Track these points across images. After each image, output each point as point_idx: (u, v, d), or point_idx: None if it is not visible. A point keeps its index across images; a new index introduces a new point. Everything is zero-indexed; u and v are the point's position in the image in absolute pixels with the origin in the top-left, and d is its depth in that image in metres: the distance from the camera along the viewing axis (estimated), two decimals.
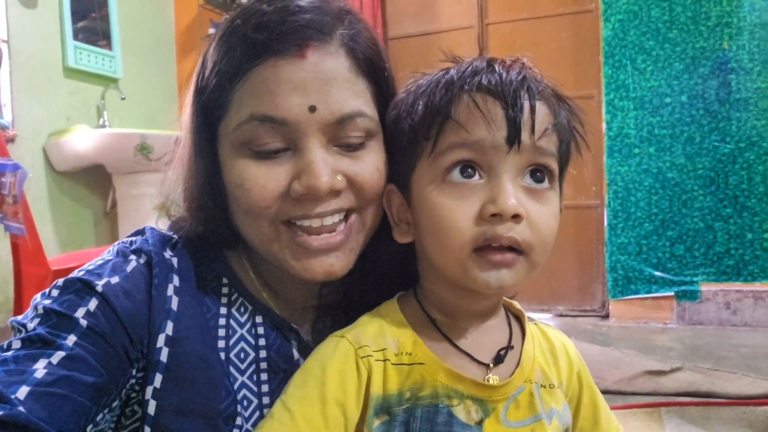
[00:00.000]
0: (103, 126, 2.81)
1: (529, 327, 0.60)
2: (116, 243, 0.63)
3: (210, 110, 0.58)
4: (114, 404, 0.53)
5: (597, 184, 2.91)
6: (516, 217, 0.49)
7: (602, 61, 2.79)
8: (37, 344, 0.50)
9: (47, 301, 0.54)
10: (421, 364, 0.52)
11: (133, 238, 0.64)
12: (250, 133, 0.55)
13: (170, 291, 0.59)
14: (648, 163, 2.73)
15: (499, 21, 3.11)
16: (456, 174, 0.51)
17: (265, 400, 0.60)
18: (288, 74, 0.54)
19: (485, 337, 0.56)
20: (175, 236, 0.65)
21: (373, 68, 0.59)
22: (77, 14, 2.74)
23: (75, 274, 0.57)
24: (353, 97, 0.56)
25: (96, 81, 2.86)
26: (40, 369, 0.48)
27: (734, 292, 2.62)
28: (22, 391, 0.46)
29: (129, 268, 0.58)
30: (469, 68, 0.52)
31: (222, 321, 0.61)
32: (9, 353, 0.49)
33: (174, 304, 0.58)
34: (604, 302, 2.94)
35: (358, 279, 0.63)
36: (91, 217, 2.85)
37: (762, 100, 2.58)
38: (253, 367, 0.61)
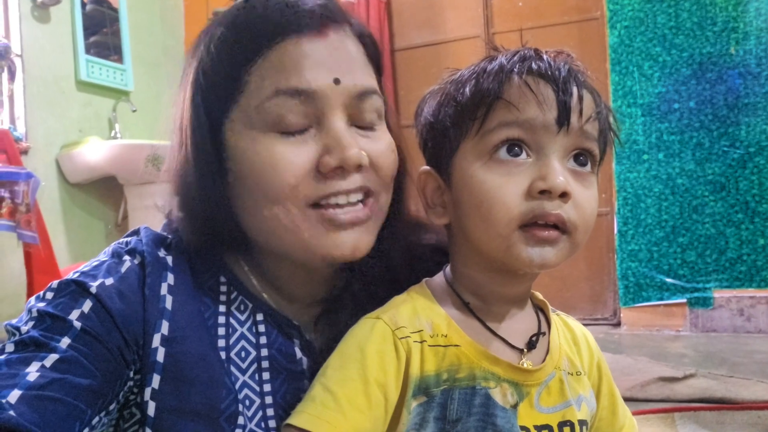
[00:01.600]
0: (115, 137, 2.85)
1: (553, 317, 0.61)
2: (112, 244, 0.62)
3: (216, 101, 0.57)
4: (111, 407, 0.53)
5: (606, 191, 2.89)
6: (564, 196, 0.50)
7: (609, 68, 2.80)
8: (30, 347, 0.50)
9: (41, 304, 0.53)
10: (457, 346, 0.53)
11: (128, 239, 0.63)
12: (275, 109, 0.54)
13: (164, 290, 0.58)
14: (657, 170, 2.72)
15: (506, 30, 3.12)
16: (503, 152, 0.51)
17: (268, 399, 0.59)
18: (311, 50, 0.56)
19: (517, 323, 0.57)
20: (170, 236, 0.64)
21: (378, 62, 0.63)
22: (89, 29, 2.80)
23: (69, 276, 0.56)
24: (369, 77, 0.59)
25: (108, 94, 2.90)
26: (32, 372, 0.47)
27: (747, 299, 2.59)
28: (14, 395, 0.45)
29: (123, 269, 0.58)
30: (518, 55, 0.53)
31: (221, 319, 0.61)
32: (2, 357, 0.49)
33: (168, 303, 0.58)
34: (615, 310, 2.91)
35: (363, 275, 0.63)
36: (103, 228, 2.88)
37: None
38: (254, 366, 0.60)
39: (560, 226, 0.50)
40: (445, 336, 0.53)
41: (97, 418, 0.51)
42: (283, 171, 0.54)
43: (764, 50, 2.57)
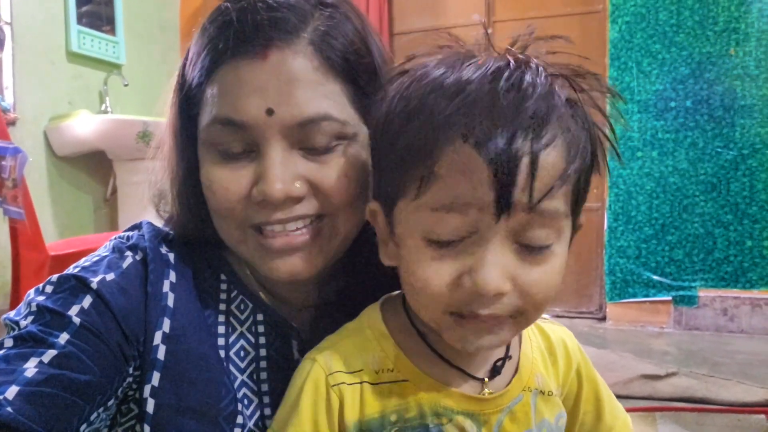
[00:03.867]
0: (105, 112, 2.80)
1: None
2: (112, 238, 0.62)
3: (189, 107, 0.58)
4: (109, 403, 0.52)
5: (598, 187, 2.90)
6: (497, 295, 0.42)
7: (608, 63, 2.78)
8: (28, 343, 0.49)
9: (41, 298, 0.53)
10: (405, 381, 0.48)
11: (130, 233, 0.63)
12: (214, 135, 0.55)
13: (166, 287, 0.58)
14: (650, 167, 2.73)
15: (507, 19, 3.09)
16: (436, 233, 0.43)
17: (266, 399, 0.59)
18: (248, 76, 0.52)
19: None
20: (172, 232, 0.64)
21: (353, 66, 0.56)
22: None
23: (70, 270, 0.56)
24: (319, 99, 0.53)
25: (99, 66, 2.84)
26: (30, 368, 0.47)
27: (732, 299, 2.62)
28: (11, 391, 0.45)
29: (125, 265, 0.57)
30: (462, 96, 0.41)
31: (221, 318, 0.60)
32: (0, 352, 0.48)
33: (170, 301, 0.57)
34: (601, 305, 2.94)
35: (357, 279, 0.62)
36: (91, 203, 2.84)
37: (767, 107, 2.57)
38: (253, 365, 0.60)
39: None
40: (392, 370, 0.49)
41: (95, 414, 0.50)
42: (218, 196, 0.55)
43: (764, 53, 2.57)
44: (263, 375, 0.60)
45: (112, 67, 2.90)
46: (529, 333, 0.56)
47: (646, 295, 2.75)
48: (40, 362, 0.48)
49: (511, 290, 0.42)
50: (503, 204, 0.40)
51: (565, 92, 0.44)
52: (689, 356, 2.27)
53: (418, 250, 0.45)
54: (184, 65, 0.58)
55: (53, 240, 2.40)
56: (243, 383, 0.59)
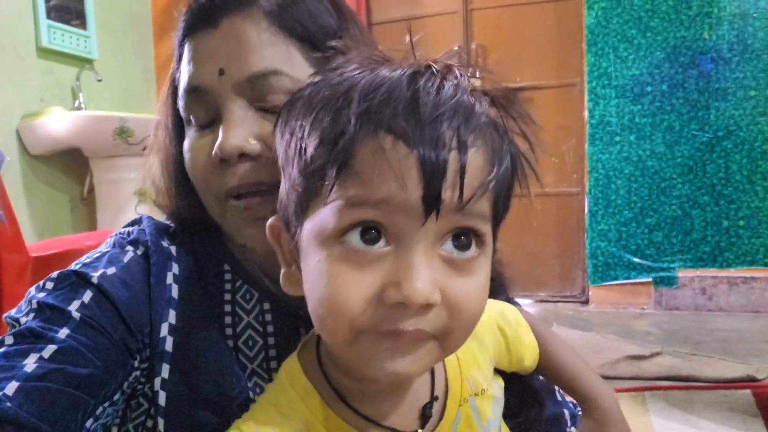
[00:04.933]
0: (79, 108, 2.73)
1: None
2: (113, 234, 0.62)
3: (176, 92, 0.60)
4: (115, 397, 0.52)
5: (578, 172, 2.94)
6: (426, 306, 0.37)
7: (585, 49, 2.81)
8: (28, 339, 0.49)
9: (41, 295, 0.53)
10: None
11: (130, 229, 0.63)
12: (183, 106, 0.58)
13: (170, 279, 0.58)
14: (629, 151, 2.77)
15: (484, 7, 3.09)
16: (355, 237, 0.38)
17: None
18: (202, 45, 0.56)
19: (406, 394, 0.46)
20: (173, 224, 0.64)
21: (311, 35, 0.56)
22: None
23: (71, 266, 0.56)
24: (269, 57, 0.54)
25: (70, 62, 2.76)
26: (30, 363, 0.47)
27: (710, 278, 2.69)
28: (11, 387, 0.45)
29: (126, 259, 0.58)
30: (382, 90, 0.37)
31: (227, 308, 0.60)
32: (1, 349, 0.48)
33: (174, 293, 0.57)
34: (584, 288, 2.99)
35: None
36: (68, 202, 2.78)
37: (740, 90, 2.63)
38: (262, 354, 0.60)
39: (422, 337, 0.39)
40: None
41: (101, 408, 0.50)
42: (192, 163, 0.57)
43: (736, 36, 2.62)
44: (273, 364, 0.60)
45: (84, 62, 2.82)
46: None
47: (628, 278, 2.80)
48: (40, 357, 0.47)
49: (439, 303, 0.37)
50: (431, 202, 0.36)
51: (485, 105, 0.40)
52: (671, 336, 2.33)
53: (331, 261, 0.38)
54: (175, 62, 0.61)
55: (31, 241, 2.34)
56: (254, 372, 0.59)
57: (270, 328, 0.61)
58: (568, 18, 2.95)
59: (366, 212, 0.37)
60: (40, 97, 2.61)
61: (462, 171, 0.37)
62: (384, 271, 0.37)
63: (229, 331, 0.59)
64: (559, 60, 2.98)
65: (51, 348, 0.48)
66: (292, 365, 0.47)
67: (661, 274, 2.75)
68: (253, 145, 0.54)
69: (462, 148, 0.37)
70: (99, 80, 2.76)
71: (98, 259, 0.57)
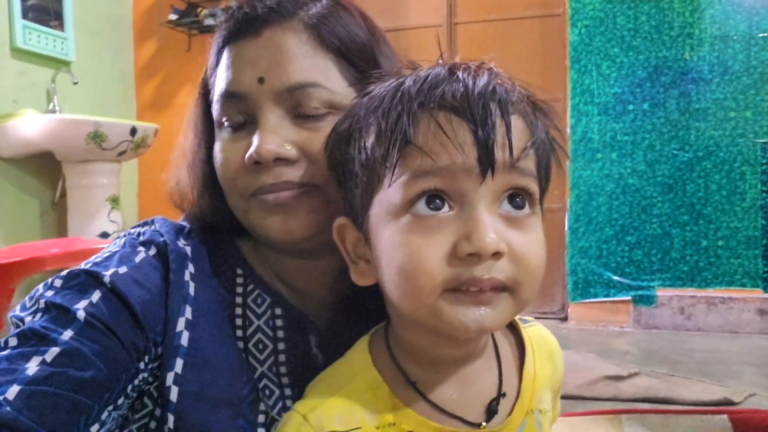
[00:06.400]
0: (53, 111, 2.67)
1: (527, 333, 0.55)
2: (122, 234, 0.63)
3: (207, 95, 0.64)
4: (119, 401, 0.51)
5: (560, 188, 2.93)
6: (496, 255, 0.41)
7: (568, 66, 2.82)
8: (31, 341, 0.48)
9: (49, 293, 0.52)
10: None
11: (141, 230, 0.63)
12: (219, 110, 0.59)
13: (187, 277, 0.59)
14: (610, 169, 2.77)
15: (468, 21, 3.10)
16: (422, 206, 0.43)
17: (287, 391, 0.59)
18: (243, 52, 0.58)
19: (474, 385, 0.49)
20: (187, 225, 0.65)
21: (346, 48, 0.59)
22: None
23: (81, 265, 0.56)
24: (308, 69, 0.57)
25: (46, 63, 2.71)
26: (32, 367, 0.46)
27: (688, 298, 2.69)
28: (12, 391, 0.44)
29: (137, 259, 0.58)
30: (428, 78, 0.44)
31: (239, 310, 0.61)
32: (4, 352, 0.48)
33: (191, 290, 0.59)
34: (563, 305, 2.97)
35: None
36: (38, 207, 2.70)
37: (720, 110, 2.64)
38: (272, 359, 0.60)
39: (498, 287, 0.43)
40: (393, 425, 0.46)
41: (105, 413, 0.49)
42: (222, 165, 0.59)
43: (716, 57, 2.64)
44: (283, 369, 0.60)
45: (61, 64, 2.77)
46: (532, 342, 0.55)
47: (607, 295, 2.79)
48: (43, 361, 0.47)
49: (506, 254, 0.42)
50: (486, 161, 0.42)
51: (516, 89, 0.46)
52: (649, 355, 2.31)
53: (402, 233, 0.43)
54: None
55: None
56: (263, 374, 0.59)
57: (280, 334, 0.61)
58: (552, 34, 2.96)
59: (429, 181, 0.43)
60: (13, 98, 2.55)
61: (508, 130, 0.42)
62: (452, 230, 0.42)
63: (239, 332, 0.60)
64: (542, 75, 2.98)
65: (54, 351, 0.47)
66: (360, 356, 0.50)
67: (641, 292, 2.74)
68: (289, 150, 0.56)
69: (505, 113, 0.43)
70: (75, 83, 2.70)
71: (109, 258, 0.57)
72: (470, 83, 0.43)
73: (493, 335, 0.54)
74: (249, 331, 0.60)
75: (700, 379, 1.95)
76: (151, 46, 3.25)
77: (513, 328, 0.56)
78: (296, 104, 0.57)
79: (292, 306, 0.63)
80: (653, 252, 2.73)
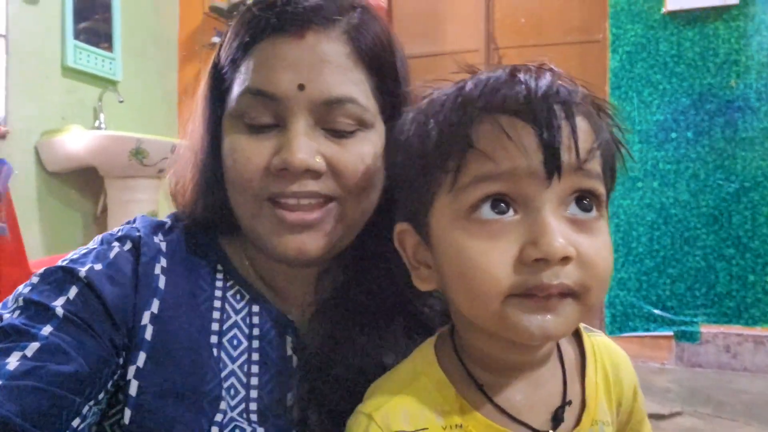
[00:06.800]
0: (99, 128, 2.76)
1: (590, 342, 0.53)
2: (102, 234, 0.62)
3: (219, 88, 0.60)
4: (100, 396, 0.51)
5: None
6: (564, 260, 0.40)
7: (609, 92, 2.77)
8: (11, 337, 0.49)
9: (27, 290, 0.53)
10: None
11: (121, 226, 0.63)
12: (244, 105, 0.56)
13: (157, 270, 0.58)
14: (651, 198, 2.69)
15: (507, 46, 3.09)
16: (486, 210, 0.42)
17: (253, 393, 0.58)
18: (284, 52, 0.55)
19: (539, 390, 0.48)
20: (169, 222, 0.65)
21: (378, 62, 0.59)
22: (80, 14, 2.70)
23: (58, 263, 0.56)
24: (347, 83, 0.56)
25: (94, 82, 2.80)
26: (12, 362, 0.46)
27: (735, 336, 2.56)
28: None
29: (112, 255, 0.58)
30: (489, 82, 0.44)
31: (217, 303, 0.60)
32: None
33: (161, 283, 0.58)
34: None
35: (355, 279, 0.62)
36: (80, 220, 2.77)
37: None
38: (244, 356, 0.59)
39: (566, 293, 0.42)
40: (460, 426, 0.45)
41: (86, 407, 0.50)
42: (240, 165, 0.56)
43: (764, 85, 2.55)
44: (254, 369, 0.59)
45: (108, 83, 2.86)
46: (594, 349, 0.53)
47: (647, 330, 2.68)
48: (23, 356, 0.47)
49: (574, 258, 0.41)
50: (553, 164, 0.41)
51: (579, 90, 0.45)
52: (692, 394, 2.19)
53: (466, 238, 0.43)
54: (219, 48, 0.62)
55: (39, 256, 2.33)
56: (232, 373, 0.58)
57: (256, 332, 0.60)
58: (592, 60, 2.92)
59: (493, 185, 0.42)
60: (62, 115, 2.64)
61: (574, 132, 0.41)
62: (518, 235, 0.41)
63: (215, 326, 0.59)
64: None
65: (34, 346, 0.48)
66: (426, 355, 0.50)
67: (683, 328, 2.62)
68: (319, 163, 0.55)
69: (569, 115, 0.42)
70: (121, 101, 2.79)
71: (85, 255, 0.57)
72: (532, 85, 0.42)
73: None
74: (226, 326, 0.59)
75: (748, 422, 1.83)
76: (194, 67, 3.35)
77: (576, 335, 0.54)
78: (329, 117, 0.56)
79: (270, 304, 0.62)
80: (697, 286, 2.62)
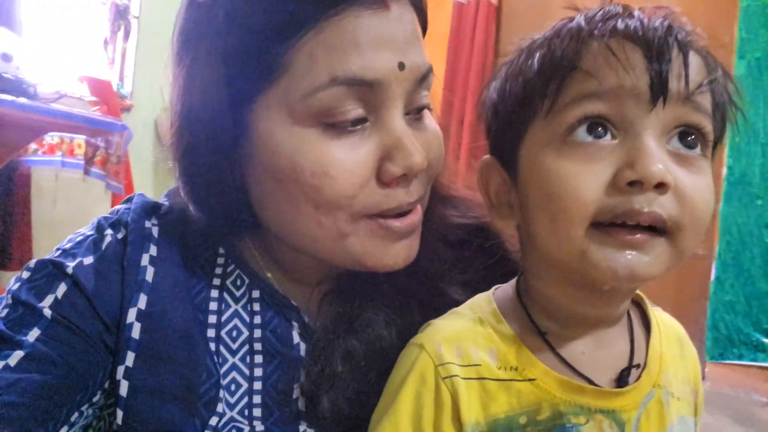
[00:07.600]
0: None
1: (653, 314, 0.51)
2: (102, 215, 0.59)
3: (241, 81, 0.48)
4: (95, 398, 0.50)
5: (708, 232, 2.64)
6: (661, 186, 0.38)
7: None
8: None
9: (16, 286, 0.51)
10: (532, 380, 0.44)
11: (119, 207, 0.59)
12: (330, 100, 0.46)
13: (145, 261, 0.54)
14: None
15: None
16: (581, 132, 0.41)
17: (256, 385, 0.54)
18: (375, 27, 0.46)
19: (605, 349, 0.46)
20: (167, 202, 0.59)
21: (424, 21, 0.54)
22: None
23: (50, 254, 0.54)
24: (424, 51, 0.51)
25: None
26: None
27: None
28: None
29: (103, 246, 0.54)
30: (599, 13, 0.43)
31: (214, 293, 0.56)
32: None
33: (149, 275, 0.53)
34: (700, 362, 2.66)
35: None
36: None
37: None
38: (245, 347, 0.55)
39: (657, 227, 0.39)
40: (515, 369, 0.44)
41: (76, 414, 0.48)
42: (339, 180, 0.46)
43: None
44: (257, 359, 0.54)
45: None
46: (658, 321, 0.51)
47: (754, 359, 2.45)
48: (6, 366, 0.45)
49: (671, 189, 0.39)
50: (659, 87, 0.39)
51: (691, 29, 0.43)
52: None
53: (558, 160, 0.41)
54: (217, 36, 0.48)
55: None
56: (233, 366, 0.54)
57: (257, 319, 0.55)
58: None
59: (593, 105, 0.40)
60: None
61: (686, 62, 0.39)
62: (614, 159, 0.39)
63: (212, 318, 0.55)
64: None
65: (18, 354, 0.46)
66: (484, 304, 0.49)
67: None
68: (426, 160, 0.49)
69: (682, 46, 0.40)
70: None
71: (79, 243, 0.55)
72: (646, 19, 0.41)
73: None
74: (224, 317, 0.55)
75: None
76: None
77: (638, 306, 0.52)
78: (415, 96, 0.50)
79: (273, 288, 0.56)
80: None
